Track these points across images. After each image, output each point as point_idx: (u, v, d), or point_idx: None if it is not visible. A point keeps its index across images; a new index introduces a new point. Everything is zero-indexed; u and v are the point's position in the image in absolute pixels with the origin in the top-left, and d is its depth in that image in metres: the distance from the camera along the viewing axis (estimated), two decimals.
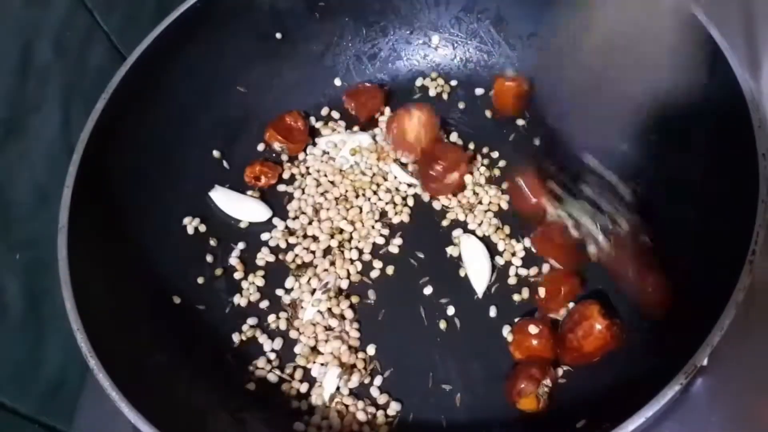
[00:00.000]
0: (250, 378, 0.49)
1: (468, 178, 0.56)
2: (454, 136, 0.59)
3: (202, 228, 0.55)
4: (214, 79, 0.57)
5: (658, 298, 0.45)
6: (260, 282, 0.54)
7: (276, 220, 0.56)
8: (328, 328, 0.51)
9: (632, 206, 0.48)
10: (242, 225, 0.56)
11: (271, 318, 0.52)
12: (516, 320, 0.49)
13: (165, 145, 0.54)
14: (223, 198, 0.56)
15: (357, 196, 0.57)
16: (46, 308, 0.49)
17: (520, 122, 0.59)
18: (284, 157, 0.59)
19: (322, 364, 0.49)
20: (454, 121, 0.60)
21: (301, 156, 0.60)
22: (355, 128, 0.60)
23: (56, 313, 0.43)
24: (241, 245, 0.55)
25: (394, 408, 0.48)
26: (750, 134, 0.41)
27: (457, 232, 0.54)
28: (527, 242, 0.53)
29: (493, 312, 0.50)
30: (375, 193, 0.57)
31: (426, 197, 0.56)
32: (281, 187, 0.58)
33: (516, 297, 0.51)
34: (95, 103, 0.49)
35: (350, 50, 0.62)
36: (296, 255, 0.54)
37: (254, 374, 0.50)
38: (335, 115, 0.61)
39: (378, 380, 0.49)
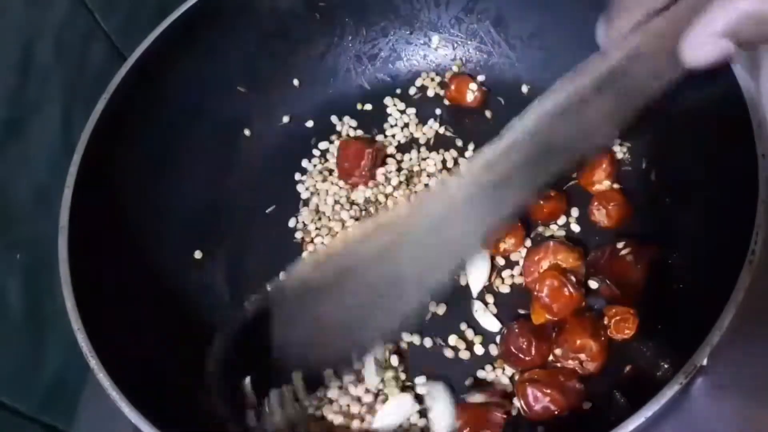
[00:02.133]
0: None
1: None
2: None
3: None
4: (214, 79, 0.57)
5: None
6: None
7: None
8: None
9: None
10: None
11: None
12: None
13: (165, 145, 0.54)
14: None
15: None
16: (46, 308, 0.49)
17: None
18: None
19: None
20: (453, 122, 0.60)
21: None
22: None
23: (57, 312, 0.43)
24: None
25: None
26: (749, 135, 0.41)
27: None
28: (528, 242, 0.53)
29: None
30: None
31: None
32: None
33: (512, 298, 0.51)
34: (96, 104, 0.49)
35: (350, 50, 0.62)
36: None
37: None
38: (333, 118, 0.61)
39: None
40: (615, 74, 0.34)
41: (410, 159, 0.58)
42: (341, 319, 0.37)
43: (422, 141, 0.59)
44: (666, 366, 0.40)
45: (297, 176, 0.59)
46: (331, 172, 0.59)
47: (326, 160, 0.59)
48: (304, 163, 0.60)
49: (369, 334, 0.38)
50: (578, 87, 0.34)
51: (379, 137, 0.60)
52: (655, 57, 0.34)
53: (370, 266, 0.36)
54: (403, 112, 0.61)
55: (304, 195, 0.58)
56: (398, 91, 0.62)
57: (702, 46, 0.31)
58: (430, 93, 0.61)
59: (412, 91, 0.62)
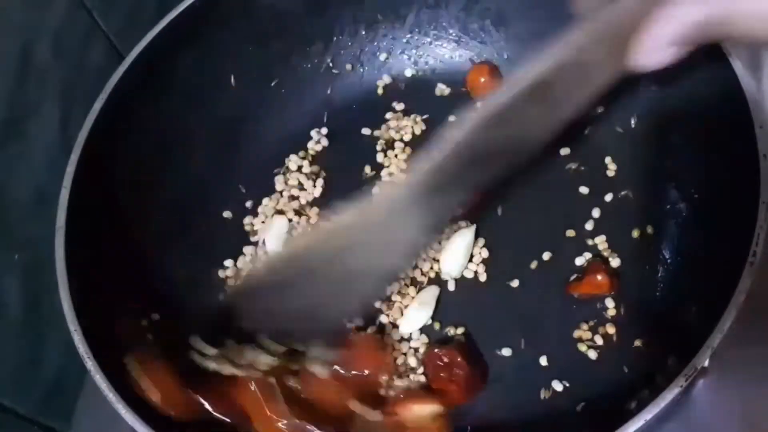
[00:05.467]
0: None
1: None
2: None
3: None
4: (212, 79, 0.57)
5: None
6: None
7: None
8: None
9: None
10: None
11: None
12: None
13: (163, 145, 0.54)
14: None
15: None
16: (45, 309, 0.49)
17: None
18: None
19: None
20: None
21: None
22: None
23: (55, 313, 0.43)
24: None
25: None
26: (751, 135, 0.41)
27: None
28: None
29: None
30: None
31: None
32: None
33: None
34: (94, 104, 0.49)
35: (350, 50, 0.62)
36: None
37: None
38: (323, 131, 0.61)
39: None
40: (544, 85, 0.35)
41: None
42: (303, 305, 0.41)
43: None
44: (666, 368, 0.40)
45: None
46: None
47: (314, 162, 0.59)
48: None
49: (331, 314, 0.42)
50: (510, 96, 0.36)
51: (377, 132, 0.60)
52: (583, 67, 0.36)
53: (327, 267, 0.40)
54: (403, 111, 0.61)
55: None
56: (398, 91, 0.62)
57: (651, 53, 0.33)
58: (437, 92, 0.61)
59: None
